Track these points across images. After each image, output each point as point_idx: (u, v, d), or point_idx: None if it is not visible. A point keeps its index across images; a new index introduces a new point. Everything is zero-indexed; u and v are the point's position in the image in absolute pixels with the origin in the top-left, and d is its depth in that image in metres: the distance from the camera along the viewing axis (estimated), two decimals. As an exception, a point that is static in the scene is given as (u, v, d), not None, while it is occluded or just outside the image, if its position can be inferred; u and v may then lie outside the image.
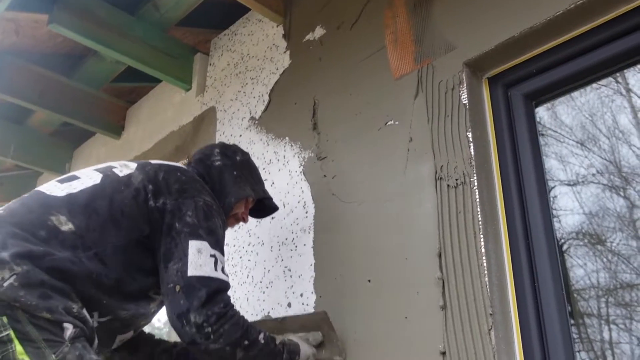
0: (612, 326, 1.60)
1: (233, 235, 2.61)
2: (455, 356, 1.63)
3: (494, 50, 1.86)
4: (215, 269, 1.66)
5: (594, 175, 1.73)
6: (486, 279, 1.65)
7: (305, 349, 1.89)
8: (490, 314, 1.60)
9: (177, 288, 1.60)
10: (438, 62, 2.01)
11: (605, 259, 1.66)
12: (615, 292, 1.62)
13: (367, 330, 1.89)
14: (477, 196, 1.75)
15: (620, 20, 1.67)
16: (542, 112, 1.90)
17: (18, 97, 3.45)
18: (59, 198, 1.63)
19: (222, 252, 1.74)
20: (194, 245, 1.65)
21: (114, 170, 1.78)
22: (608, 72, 1.76)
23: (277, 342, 1.78)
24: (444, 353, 1.66)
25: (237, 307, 1.86)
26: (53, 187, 1.69)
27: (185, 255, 1.63)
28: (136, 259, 1.67)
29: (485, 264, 1.67)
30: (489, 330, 1.59)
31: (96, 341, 1.57)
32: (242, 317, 1.69)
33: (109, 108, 3.90)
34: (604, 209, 1.69)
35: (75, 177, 1.74)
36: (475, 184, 1.76)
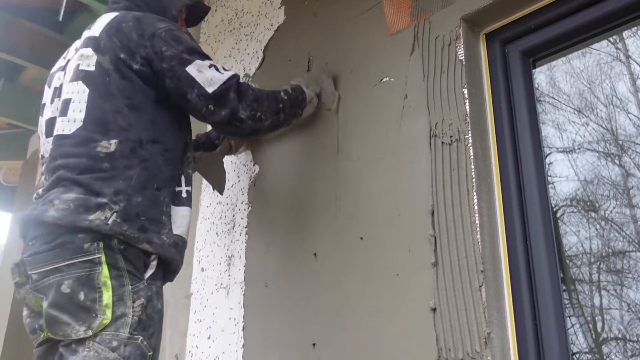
0: (603, 292, 1.61)
1: (226, 194, 2.59)
2: (445, 312, 1.64)
3: (492, 5, 1.82)
4: (221, 72, 1.78)
5: (590, 142, 1.71)
6: (478, 236, 1.64)
7: (308, 90, 2.14)
8: (482, 271, 1.61)
9: (211, 107, 1.75)
10: (435, 17, 1.97)
11: (598, 226, 1.65)
12: (608, 259, 1.62)
13: (359, 287, 1.90)
14: (472, 153, 1.73)
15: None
16: (540, 79, 1.87)
17: (8, 53, 3.40)
18: (82, 128, 1.67)
19: (210, 58, 1.82)
20: (191, 70, 1.74)
21: (82, 68, 1.75)
22: (608, 29, 1.72)
23: (290, 90, 2.04)
24: (434, 309, 1.67)
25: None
26: (64, 124, 1.70)
27: (193, 80, 1.73)
28: (166, 120, 1.78)
29: (477, 222, 1.66)
30: (480, 286, 1.60)
31: (177, 272, 1.75)
32: (264, 90, 1.91)
33: (101, 65, 3.83)
34: (599, 177, 1.68)
35: (68, 101, 1.72)
36: (470, 141, 1.75)
